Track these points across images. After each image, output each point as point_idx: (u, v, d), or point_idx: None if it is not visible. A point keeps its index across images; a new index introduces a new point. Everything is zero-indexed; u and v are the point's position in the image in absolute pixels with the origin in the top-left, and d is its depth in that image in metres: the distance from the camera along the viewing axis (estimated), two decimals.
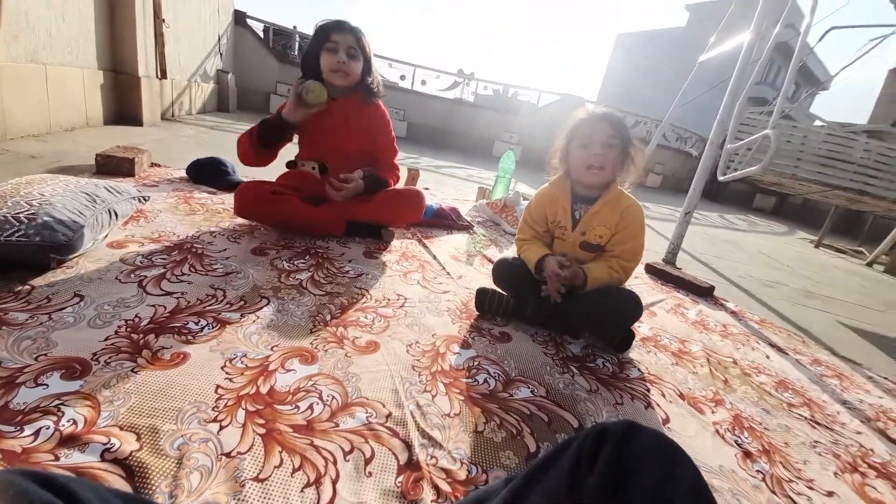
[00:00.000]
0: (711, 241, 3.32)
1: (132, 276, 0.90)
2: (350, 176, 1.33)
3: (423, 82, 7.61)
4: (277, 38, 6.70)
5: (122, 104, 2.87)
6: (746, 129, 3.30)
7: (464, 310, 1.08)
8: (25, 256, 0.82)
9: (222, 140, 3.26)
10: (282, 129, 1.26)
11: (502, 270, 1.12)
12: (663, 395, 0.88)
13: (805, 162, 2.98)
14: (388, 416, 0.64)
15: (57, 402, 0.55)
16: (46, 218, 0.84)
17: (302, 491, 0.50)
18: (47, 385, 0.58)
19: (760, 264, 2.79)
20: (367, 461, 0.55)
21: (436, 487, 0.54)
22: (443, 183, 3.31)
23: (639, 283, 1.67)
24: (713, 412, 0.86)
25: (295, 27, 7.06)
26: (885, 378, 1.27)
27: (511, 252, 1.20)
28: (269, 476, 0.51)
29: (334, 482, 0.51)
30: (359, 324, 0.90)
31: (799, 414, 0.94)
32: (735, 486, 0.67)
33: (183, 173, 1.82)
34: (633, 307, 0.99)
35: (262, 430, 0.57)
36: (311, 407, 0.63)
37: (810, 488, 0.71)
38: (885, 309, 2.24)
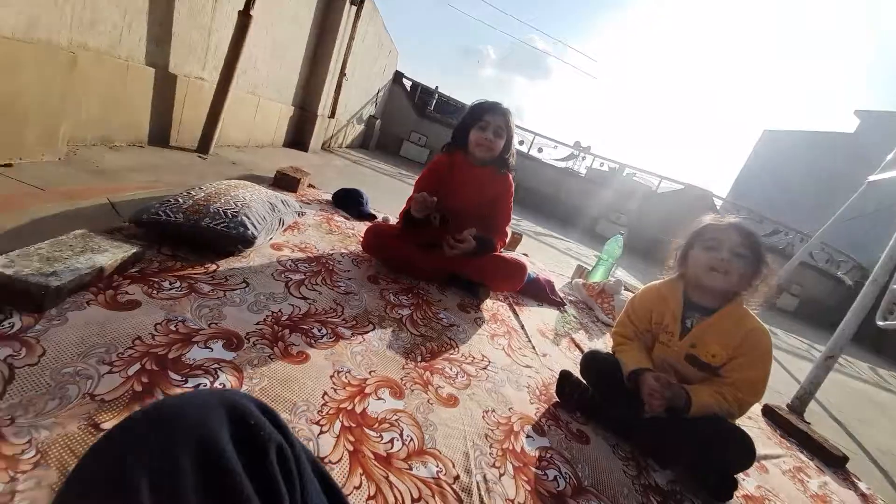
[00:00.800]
0: (854, 397, 2.68)
1: (282, 276, 1.10)
2: (465, 236, 1.45)
3: (540, 149, 7.93)
4: (422, 95, 7.74)
5: (298, 134, 3.59)
6: None
7: (544, 391, 1.06)
8: (221, 242, 1.07)
9: (361, 172, 3.81)
10: (415, 225, 1.43)
11: (592, 365, 1.06)
12: None
13: None
14: (456, 478, 0.67)
15: (216, 365, 0.70)
16: (244, 217, 1.10)
17: None
18: (212, 349, 0.74)
19: None
20: None
21: None
22: (541, 251, 3.33)
23: (751, 425, 1.44)
24: None
25: (437, 87, 8.09)
26: None
27: (602, 344, 1.15)
28: (350, 493, 0.57)
29: None
30: (444, 374, 0.95)
31: None
32: None
33: (328, 196, 2.18)
34: (742, 452, 0.86)
35: (352, 448, 0.64)
36: (392, 441, 0.69)
37: None
38: None
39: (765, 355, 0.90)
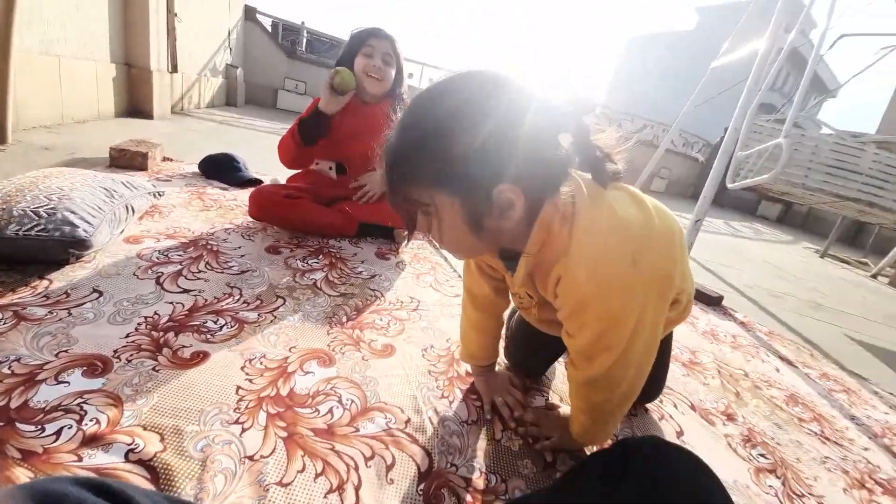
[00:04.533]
0: (718, 249, 3.31)
1: (149, 272, 0.90)
2: (363, 183, 1.34)
3: (431, 80, 7.61)
4: (286, 33, 6.70)
5: (134, 98, 2.87)
6: (756, 136, 3.29)
7: None
8: (44, 251, 0.82)
9: (231, 134, 3.26)
10: (319, 124, 1.26)
11: (512, 349, 0.86)
12: (675, 406, 0.88)
13: (815, 172, 2.97)
14: (407, 421, 0.64)
15: (79, 400, 0.55)
16: (66, 213, 0.84)
17: (325, 497, 0.50)
18: (69, 382, 0.58)
19: (767, 274, 2.79)
20: (389, 468, 0.56)
21: (457, 496, 0.54)
22: None
23: None
24: (724, 425, 0.86)
25: (303, 23, 7.05)
26: (891, 394, 1.26)
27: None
28: (293, 481, 0.51)
29: (357, 489, 0.52)
30: (374, 326, 0.90)
31: (809, 429, 0.94)
32: (749, 501, 0.67)
33: (194, 168, 1.82)
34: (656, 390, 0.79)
35: (284, 434, 0.57)
36: (331, 411, 0.63)
37: None
38: (889, 323, 2.23)
39: (584, 310, 0.50)
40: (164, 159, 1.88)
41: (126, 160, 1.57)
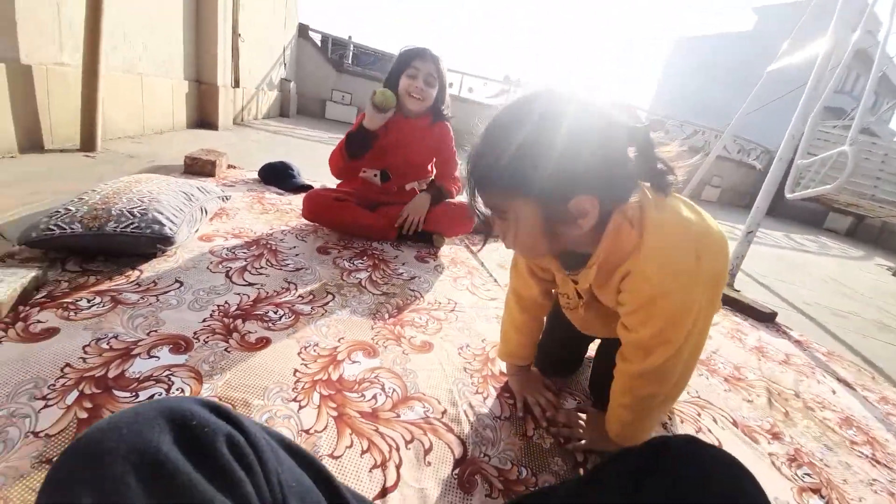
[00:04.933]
0: (776, 263, 3.10)
1: (220, 266, 1.02)
2: (406, 211, 1.44)
3: (471, 90, 7.70)
4: (335, 48, 7.07)
5: (202, 111, 3.18)
6: (821, 143, 3.06)
7: None
8: (137, 246, 0.95)
9: (285, 143, 3.51)
10: (365, 139, 1.36)
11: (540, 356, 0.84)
12: (715, 421, 0.86)
13: (885, 182, 2.72)
14: (444, 412, 0.69)
15: (167, 372, 0.65)
16: (155, 213, 0.98)
17: (370, 471, 0.56)
18: (159, 357, 0.68)
19: (830, 291, 2.58)
20: (427, 451, 0.61)
21: (489, 483, 0.58)
22: None
23: None
24: (769, 443, 0.83)
25: (350, 37, 7.41)
26: None
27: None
28: (343, 454, 0.57)
29: (398, 467, 0.57)
30: (414, 324, 0.96)
31: (860, 452, 0.88)
32: None
33: (254, 174, 2.00)
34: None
35: (335, 413, 0.64)
36: (374, 397, 0.69)
37: None
38: None
39: (651, 304, 0.53)
40: (229, 167, 2.07)
41: (198, 167, 1.75)
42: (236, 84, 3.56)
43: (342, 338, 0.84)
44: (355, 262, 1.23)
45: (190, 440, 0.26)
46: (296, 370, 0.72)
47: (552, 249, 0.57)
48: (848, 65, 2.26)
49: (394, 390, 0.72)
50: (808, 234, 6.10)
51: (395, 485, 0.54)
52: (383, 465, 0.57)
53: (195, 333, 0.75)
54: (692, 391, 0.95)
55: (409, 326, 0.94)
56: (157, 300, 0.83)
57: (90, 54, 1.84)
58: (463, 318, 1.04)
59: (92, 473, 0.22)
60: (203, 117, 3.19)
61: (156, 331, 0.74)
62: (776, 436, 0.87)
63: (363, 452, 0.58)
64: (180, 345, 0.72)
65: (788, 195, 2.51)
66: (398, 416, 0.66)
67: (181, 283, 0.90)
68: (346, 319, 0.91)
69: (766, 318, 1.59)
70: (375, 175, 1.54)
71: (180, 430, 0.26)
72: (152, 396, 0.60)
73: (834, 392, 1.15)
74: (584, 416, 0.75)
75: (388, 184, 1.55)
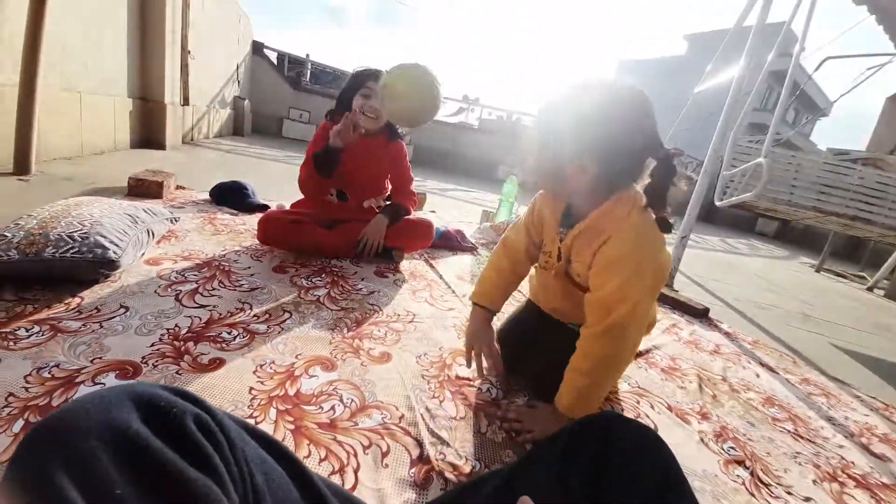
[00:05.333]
0: (710, 264, 3.39)
1: (169, 290, 0.99)
2: (364, 237, 1.45)
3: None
4: (292, 66, 7.03)
5: (148, 129, 3.05)
6: (742, 156, 3.42)
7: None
8: (77, 271, 0.91)
9: (239, 163, 3.42)
10: (333, 157, 1.37)
11: (507, 341, 0.96)
12: (652, 407, 0.95)
13: (800, 189, 3.09)
14: (402, 417, 0.72)
15: None
16: (98, 237, 0.94)
17: (328, 477, 0.57)
18: (104, 384, 0.66)
19: (757, 287, 2.86)
20: (384, 455, 0.63)
21: (444, 478, 0.61)
22: (448, 206, 3.43)
23: None
24: (699, 423, 0.93)
25: (308, 55, 7.41)
26: (874, 398, 1.31)
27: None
28: None
29: (356, 471, 0.59)
30: (372, 336, 0.98)
31: (783, 427, 1.00)
32: (716, 488, 0.73)
33: (206, 195, 1.94)
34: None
35: (292, 426, 0.65)
36: (333, 408, 0.71)
37: (788, 493, 0.76)
38: (878, 332, 2.28)
39: (619, 262, 0.68)
40: (178, 187, 2.00)
41: (143, 189, 1.69)
42: (185, 102, 3.45)
43: (299, 353, 0.85)
44: (313, 280, 1.24)
45: (159, 419, 0.26)
46: (251, 388, 0.72)
47: (566, 192, 0.76)
48: (770, 84, 2.57)
49: (352, 400, 0.74)
50: (741, 238, 6.70)
51: (353, 487, 0.56)
52: (341, 471, 0.58)
53: (143, 358, 0.73)
54: (632, 381, 1.04)
55: (368, 339, 0.97)
56: (101, 326, 0.80)
57: (27, 72, 1.74)
58: (421, 329, 1.07)
59: (63, 451, 0.22)
60: (149, 136, 3.06)
61: (100, 357, 0.72)
62: (705, 416, 0.96)
63: (321, 460, 0.60)
64: (127, 370, 0.70)
65: (717, 202, 2.78)
66: (356, 424, 0.68)
67: (126, 308, 0.88)
68: (304, 335, 0.92)
69: (699, 314, 1.75)
70: (332, 194, 1.56)
71: (148, 410, 0.26)
72: None
73: (758, 376, 1.29)
74: (532, 409, 0.80)
75: (345, 202, 1.58)
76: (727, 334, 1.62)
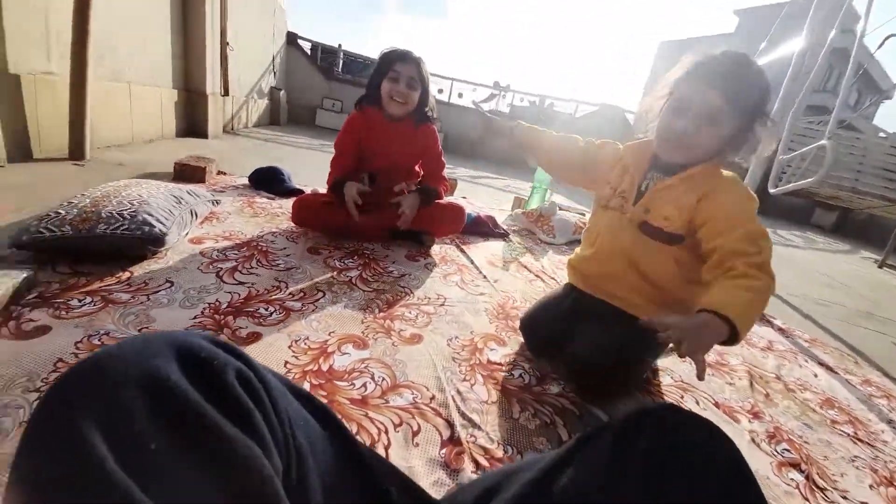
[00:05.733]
0: None
1: (210, 267, 1.03)
2: (404, 207, 1.40)
3: (461, 95, 7.78)
4: (325, 56, 7.12)
5: (191, 119, 3.19)
6: (802, 139, 3.13)
7: (500, 311, 1.13)
8: (127, 247, 0.96)
9: (276, 150, 3.53)
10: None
11: (529, 331, 0.95)
12: (697, 403, 0.89)
13: (866, 175, 2.80)
14: (432, 398, 0.71)
15: None
16: (145, 215, 0.99)
17: None
18: None
19: (815, 283, 2.63)
20: (415, 434, 0.62)
21: (475, 461, 0.60)
22: (479, 192, 3.38)
23: None
24: (750, 422, 0.86)
25: (340, 45, 7.47)
26: None
27: (547, 262, 1.12)
28: None
29: (387, 448, 0.59)
30: (404, 318, 0.98)
31: (842, 430, 0.91)
32: (768, 491, 0.67)
33: (244, 180, 2.01)
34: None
35: (326, 401, 0.65)
36: (364, 385, 0.71)
37: (844, 497, 0.70)
38: None
39: (734, 185, 0.76)
40: (219, 173, 2.08)
41: (188, 173, 1.77)
42: (226, 92, 3.58)
43: (332, 331, 0.86)
44: (346, 262, 1.25)
45: (199, 371, 0.25)
46: (286, 362, 0.73)
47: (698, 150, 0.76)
48: (830, 63, 2.34)
49: (383, 379, 0.74)
50: (796, 230, 6.21)
51: None
52: (372, 447, 0.58)
53: (186, 329, 0.76)
54: (675, 375, 0.98)
55: (399, 320, 0.96)
56: (148, 299, 0.84)
57: (77, 63, 1.85)
58: (452, 312, 1.06)
59: (95, 400, 0.22)
60: (192, 126, 3.20)
61: (147, 327, 0.75)
62: (756, 415, 0.89)
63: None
64: None
65: (771, 190, 2.57)
66: (387, 402, 0.68)
67: (172, 283, 0.92)
68: (337, 314, 0.93)
69: None
70: (363, 179, 1.56)
71: (189, 361, 0.25)
72: None
73: (816, 375, 1.18)
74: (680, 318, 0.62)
75: (376, 186, 1.57)
76: (781, 330, 1.50)
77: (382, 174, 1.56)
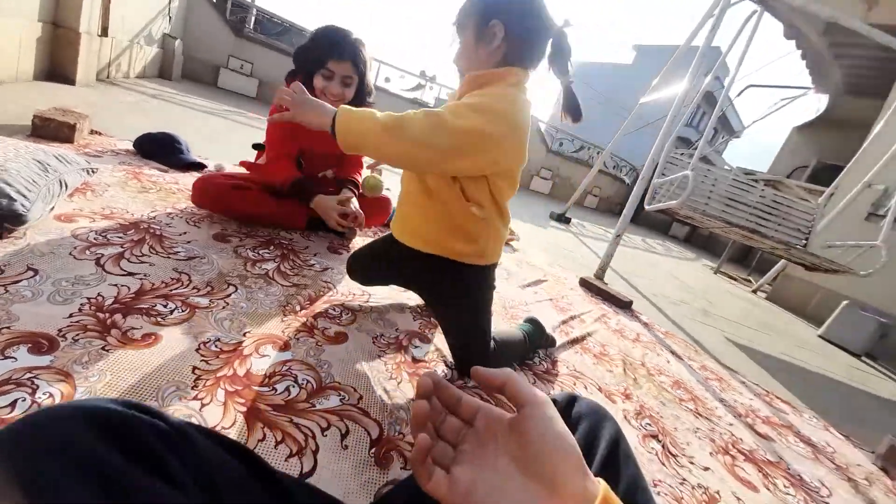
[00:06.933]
0: (634, 261, 3.74)
1: (87, 252, 0.87)
2: (351, 212, 1.32)
3: (388, 79, 7.58)
4: (235, 9, 6.27)
5: (56, 60, 2.55)
6: (670, 166, 3.77)
7: (425, 308, 1.17)
8: None
9: (167, 111, 3.02)
10: (307, 189, 1.30)
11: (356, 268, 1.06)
12: (585, 388, 1.05)
13: (713, 201, 3.51)
14: (360, 398, 0.72)
15: (29, 375, 0.55)
16: (2, 185, 0.79)
17: (286, 460, 0.56)
18: (16, 358, 0.57)
19: (671, 285, 3.23)
20: (344, 436, 0.63)
21: (404, 457, 0.63)
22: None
23: (574, 294, 1.89)
24: (623, 402, 1.05)
25: (253, 0, 6.65)
26: (756, 384, 1.58)
27: None
28: (254, 448, 0.56)
29: (315, 453, 0.58)
30: (327, 315, 0.95)
31: (687, 406, 1.16)
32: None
33: (128, 145, 1.70)
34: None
35: (244, 409, 0.62)
36: (287, 389, 0.68)
37: (691, 463, 0.90)
38: (761, 329, 2.72)
39: (481, 100, 0.77)
40: (93, 132, 1.73)
41: (51, 130, 1.43)
42: (104, 32, 2.94)
43: (248, 331, 0.80)
44: (260, 252, 1.16)
45: (114, 438, 0.25)
46: (195, 367, 0.67)
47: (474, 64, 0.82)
48: (699, 103, 2.85)
49: (308, 381, 0.72)
50: (658, 239, 7.47)
51: (313, 470, 0.56)
52: (300, 454, 0.57)
53: (60, 331, 0.64)
54: (570, 365, 1.14)
55: (323, 318, 0.94)
56: (6, 291, 0.68)
57: None
58: (378, 309, 1.07)
59: (19, 472, 0.21)
60: (56, 68, 2.56)
61: (8, 327, 0.61)
62: (627, 396, 1.09)
63: (277, 443, 0.58)
64: (42, 344, 0.61)
65: (647, 207, 3.06)
66: (313, 405, 0.67)
67: (35, 272, 0.75)
68: (252, 312, 0.87)
69: (624, 306, 1.94)
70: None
71: (102, 426, 0.24)
72: (14, 402, 0.51)
73: (668, 362, 1.48)
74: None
75: (300, 171, 1.48)
76: (646, 325, 1.82)
77: (307, 159, 1.47)
